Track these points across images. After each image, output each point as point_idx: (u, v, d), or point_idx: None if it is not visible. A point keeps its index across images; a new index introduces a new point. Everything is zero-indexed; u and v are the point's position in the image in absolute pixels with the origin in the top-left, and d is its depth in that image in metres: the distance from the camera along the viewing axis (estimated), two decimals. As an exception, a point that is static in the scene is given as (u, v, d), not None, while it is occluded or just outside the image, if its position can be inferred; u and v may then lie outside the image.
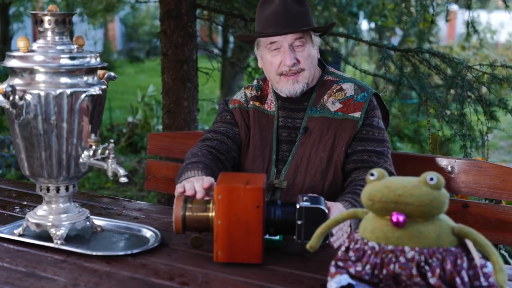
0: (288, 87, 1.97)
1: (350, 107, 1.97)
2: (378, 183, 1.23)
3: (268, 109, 2.06)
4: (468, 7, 3.34)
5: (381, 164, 1.90)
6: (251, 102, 2.08)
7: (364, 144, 1.94)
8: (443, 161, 2.12)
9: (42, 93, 1.54)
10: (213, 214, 1.50)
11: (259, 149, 2.02)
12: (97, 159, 1.60)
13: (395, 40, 9.18)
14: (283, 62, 1.94)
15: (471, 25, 3.42)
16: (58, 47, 1.58)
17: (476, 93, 3.14)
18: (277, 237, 1.59)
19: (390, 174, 1.88)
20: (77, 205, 1.72)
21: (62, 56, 1.56)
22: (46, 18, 1.59)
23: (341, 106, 1.98)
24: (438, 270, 1.16)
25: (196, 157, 1.90)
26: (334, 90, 2.01)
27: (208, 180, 1.62)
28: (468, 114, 3.19)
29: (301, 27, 1.91)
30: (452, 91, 3.24)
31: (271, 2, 1.94)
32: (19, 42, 1.56)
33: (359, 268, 1.23)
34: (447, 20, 3.82)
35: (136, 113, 6.93)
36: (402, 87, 3.41)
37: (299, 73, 1.95)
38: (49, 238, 1.62)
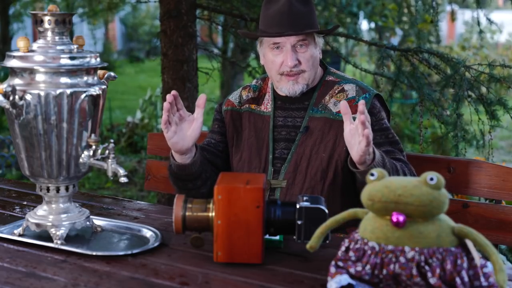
0: (288, 87, 1.97)
1: (352, 109, 1.97)
2: (378, 183, 1.23)
3: (264, 110, 2.07)
4: (477, 4, 3.33)
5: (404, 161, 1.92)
6: (246, 105, 2.09)
7: (380, 149, 1.91)
8: (443, 161, 2.12)
9: (42, 93, 1.54)
10: (213, 214, 1.50)
11: (256, 151, 2.03)
12: (97, 159, 1.60)
13: (395, 40, 9.17)
14: (285, 63, 1.94)
15: (488, 21, 3.40)
16: (58, 47, 1.58)
17: (476, 92, 3.13)
18: (277, 237, 1.59)
19: (412, 173, 1.89)
20: (77, 205, 1.72)
21: (62, 56, 1.56)
22: (46, 18, 1.58)
23: (343, 107, 1.97)
24: (438, 270, 1.16)
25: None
26: (336, 91, 2.01)
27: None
28: (468, 114, 3.18)
29: (305, 28, 1.91)
30: (452, 91, 3.23)
31: (276, 1, 1.93)
32: (19, 42, 1.56)
33: (359, 268, 1.23)
34: (453, 20, 3.82)
35: (145, 110, 6.96)
36: (397, 88, 3.40)
37: (300, 74, 1.96)
38: (49, 238, 1.62)
